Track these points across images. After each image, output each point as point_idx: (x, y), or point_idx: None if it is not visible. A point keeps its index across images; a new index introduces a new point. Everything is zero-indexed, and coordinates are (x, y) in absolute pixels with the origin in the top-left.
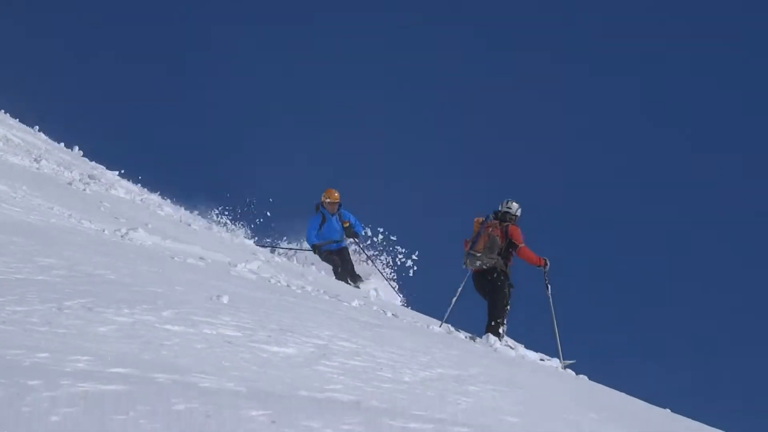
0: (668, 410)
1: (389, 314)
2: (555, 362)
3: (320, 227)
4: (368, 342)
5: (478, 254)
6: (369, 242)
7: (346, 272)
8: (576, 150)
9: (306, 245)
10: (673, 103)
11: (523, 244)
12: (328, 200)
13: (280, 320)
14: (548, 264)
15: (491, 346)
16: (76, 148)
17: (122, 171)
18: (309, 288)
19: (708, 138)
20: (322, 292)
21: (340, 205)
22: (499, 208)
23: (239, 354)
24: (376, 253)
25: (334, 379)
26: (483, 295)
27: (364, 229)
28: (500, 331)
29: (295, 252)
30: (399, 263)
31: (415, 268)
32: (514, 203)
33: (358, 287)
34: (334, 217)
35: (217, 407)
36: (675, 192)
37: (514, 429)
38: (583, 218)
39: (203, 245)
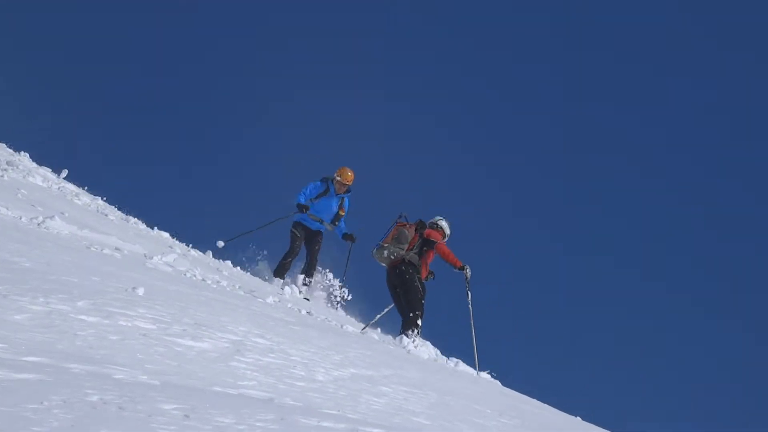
0: (579, 418)
1: (303, 312)
2: (470, 369)
3: (317, 197)
4: (282, 339)
5: (386, 245)
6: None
7: (310, 260)
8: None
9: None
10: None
11: (441, 241)
12: (339, 178)
13: (195, 314)
14: (469, 270)
15: (405, 347)
16: None
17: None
18: (224, 283)
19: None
20: (237, 287)
21: (348, 190)
22: (424, 221)
23: (154, 347)
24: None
25: (248, 375)
26: (393, 293)
27: (352, 231)
28: (419, 322)
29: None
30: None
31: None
32: (444, 221)
33: (307, 297)
34: (336, 198)
35: (131, 400)
36: (581, 195)
37: (424, 430)
38: (505, 226)
39: (120, 236)
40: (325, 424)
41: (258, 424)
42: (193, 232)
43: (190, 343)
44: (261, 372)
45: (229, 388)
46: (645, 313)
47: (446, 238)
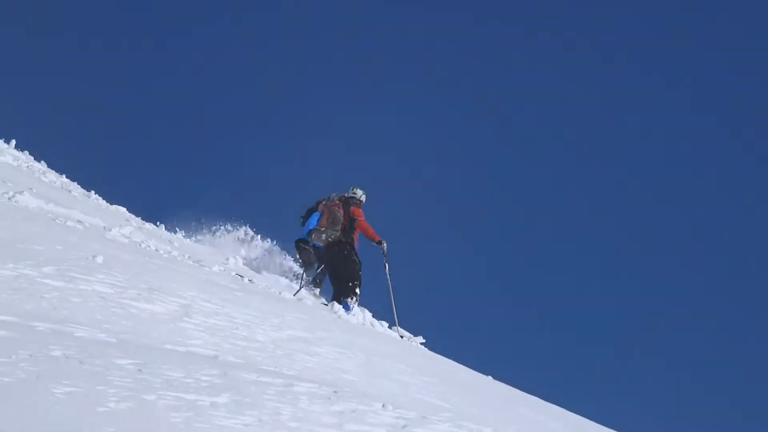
0: (490, 377)
1: (246, 280)
2: (418, 339)
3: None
4: (226, 303)
5: (323, 229)
6: None
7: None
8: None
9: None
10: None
11: (362, 218)
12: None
13: (148, 280)
14: (385, 244)
15: (335, 313)
16: None
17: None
18: (175, 253)
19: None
20: (186, 257)
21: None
22: (346, 194)
23: (111, 309)
24: None
25: (195, 335)
26: (327, 266)
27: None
28: (357, 291)
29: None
30: None
31: None
32: (359, 190)
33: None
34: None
35: (90, 355)
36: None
37: (352, 386)
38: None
39: (82, 210)
40: (263, 379)
41: (203, 378)
42: (147, 207)
43: (144, 305)
44: (207, 332)
45: (178, 346)
46: (547, 265)
47: (362, 204)
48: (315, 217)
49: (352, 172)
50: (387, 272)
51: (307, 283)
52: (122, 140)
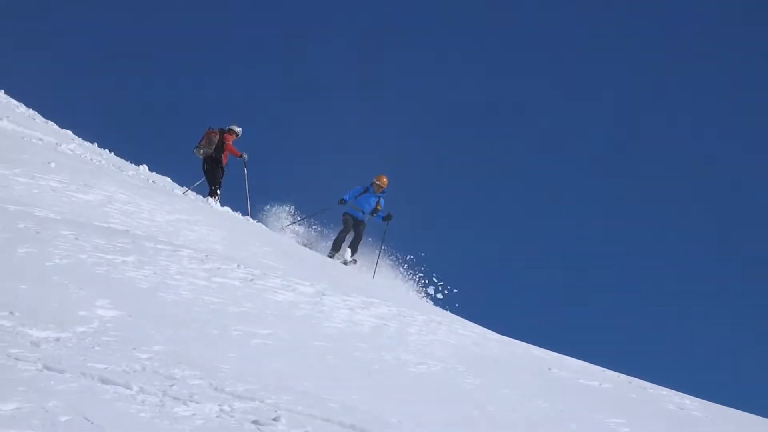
0: (313, 252)
1: (150, 181)
2: (244, 217)
3: (360, 195)
4: (136, 196)
5: (202, 146)
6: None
7: (356, 239)
8: None
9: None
10: None
11: (229, 143)
12: (377, 182)
13: (85, 179)
14: (246, 155)
15: (210, 204)
16: None
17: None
18: (104, 162)
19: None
20: (111, 164)
21: (383, 192)
22: (225, 127)
23: (59, 197)
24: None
25: (114, 216)
26: (204, 174)
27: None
28: (218, 193)
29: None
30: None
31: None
32: (237, 127)
33: (345, 262)
34: (374, 197)
35: (43, 228)
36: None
37: (218, 252)
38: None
39: (42, 131)
40: (159, 246)
41: (118, 244)
42: (87, 130)
43: (81, 195)
44: (122, 214)
45: (103, 223)
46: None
47: (238, 137)
48: (358, 188)
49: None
50: (245, 177)
51: (196, 187)
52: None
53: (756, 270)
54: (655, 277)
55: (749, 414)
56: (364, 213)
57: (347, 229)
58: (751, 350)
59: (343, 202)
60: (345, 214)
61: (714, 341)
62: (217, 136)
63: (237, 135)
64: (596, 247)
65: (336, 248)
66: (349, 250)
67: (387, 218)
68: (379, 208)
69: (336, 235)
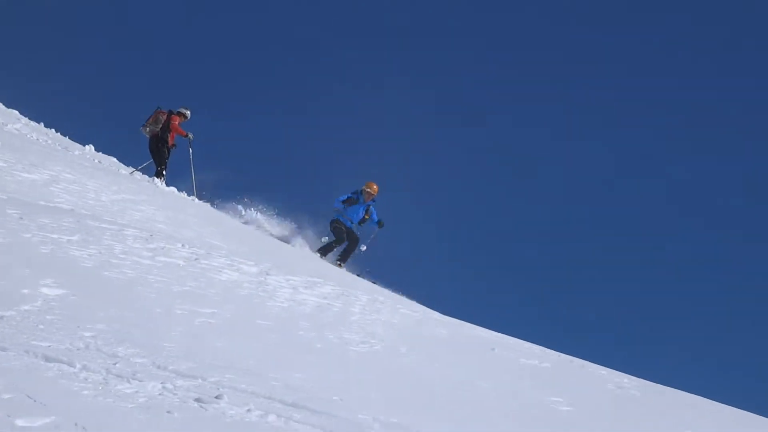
0: (259, 232)
1: (96, 161)
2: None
3: (349, 204)
4: (81, 176)
5: (148, 125)
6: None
7: (348, 249)
8: None
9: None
10: None
11: (175, 123)
12: (368, 190)
13: (30, 159)
14: (191, 136)
15: (155, 184)
16: None
17: None
18: (50, 141)
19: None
20: (57, 144)
21: (374, 200)
22: (174, 109)
23: (4, 177)
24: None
25: (60, 195)
26: (150, 153)
27: (381, 219)
28: (164, 173)
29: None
30: None
31: None
32: (187, 110)
33: (340, 265)
34: (363, 206)
35: None
36: None
37: (163, 232)
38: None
39: None
40: (104, 225)
41: (64, 224)
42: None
43: (27, 175)
44: (68, 193)
45: (48, 203)
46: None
47: (186, 119)
48: (346, 196)
49: None
50: (191, 156)
51: (143, 168)
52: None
53: (686, 248)
54: (593, 254)
55: (686, 393)
56: (352, 222)
57: (340, 240)
58: (692, 331)
59: (336, 211)
60: (336, 222)
61: (654, 320)
62: (164, 116)
63: (186, 117)
64: (537, 227)
65: (323, 254)
66: (333, 258)
67: (380, 224)
68: (367, 217)
69: (325, 244)
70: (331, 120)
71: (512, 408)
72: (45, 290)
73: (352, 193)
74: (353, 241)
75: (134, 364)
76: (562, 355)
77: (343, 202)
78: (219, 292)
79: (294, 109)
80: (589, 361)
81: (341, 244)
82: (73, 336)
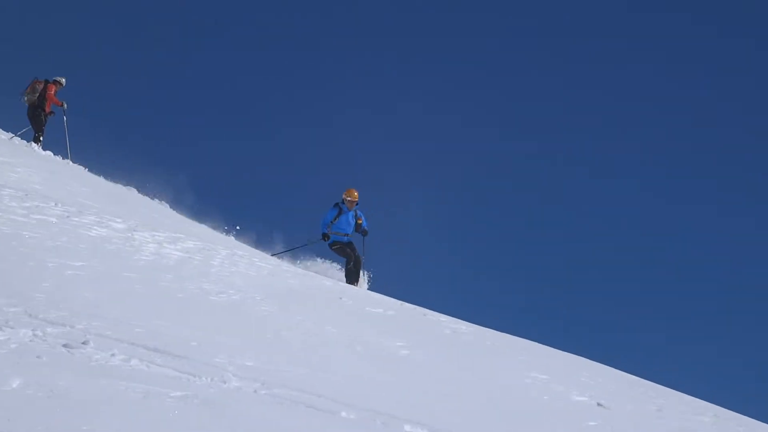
0: (134, 191)
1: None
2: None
3: (335, 219)
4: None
5: (27, 93)
6: None
7: (358, 264)
8: None
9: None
10: None
11: (51, 92)
12: (349, 198)
13: None
14: (65, 105)
15: (33, 149)
16: None
17: None
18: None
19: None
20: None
21: (357, 204)
22: (50, 78)
23: None
24: None
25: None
26: (29, 120)
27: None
28: (41, 138)
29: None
30: None
31: None
32: (61, 78)
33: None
34: (350, 213)
35: None
36: None
37: (38, 192)
38: None
39: None
40: (34, 202)
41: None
42: None
43: None
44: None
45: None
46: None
47: (62, 87)
48: (330, 214)
49: None
50: (65, 124)
51: (21, 134)
52: None
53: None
54: (593, 253)
55: (520, 338)
56: (348, 235)
57: (351, 257)
58: (692, 331)
59: (327, 237)
60: (335, 243)
61: (654, 320)
62: (41, 85)
63: (61, 85)
64: (537, 227)
65: (353, 280)
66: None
67: (364, 233)
68: (360, 222)
69: (344, 270)
70: (327, 120)
71: (357, 351)
72: None
73: (334, 206)
74: (357, 259)
75: (6, 313)
76: (405, 303)
77: (331, 221)
78: (88, 246)
79: (290, 109)
80: (432, 309)
81: (351, 262)
82: None
